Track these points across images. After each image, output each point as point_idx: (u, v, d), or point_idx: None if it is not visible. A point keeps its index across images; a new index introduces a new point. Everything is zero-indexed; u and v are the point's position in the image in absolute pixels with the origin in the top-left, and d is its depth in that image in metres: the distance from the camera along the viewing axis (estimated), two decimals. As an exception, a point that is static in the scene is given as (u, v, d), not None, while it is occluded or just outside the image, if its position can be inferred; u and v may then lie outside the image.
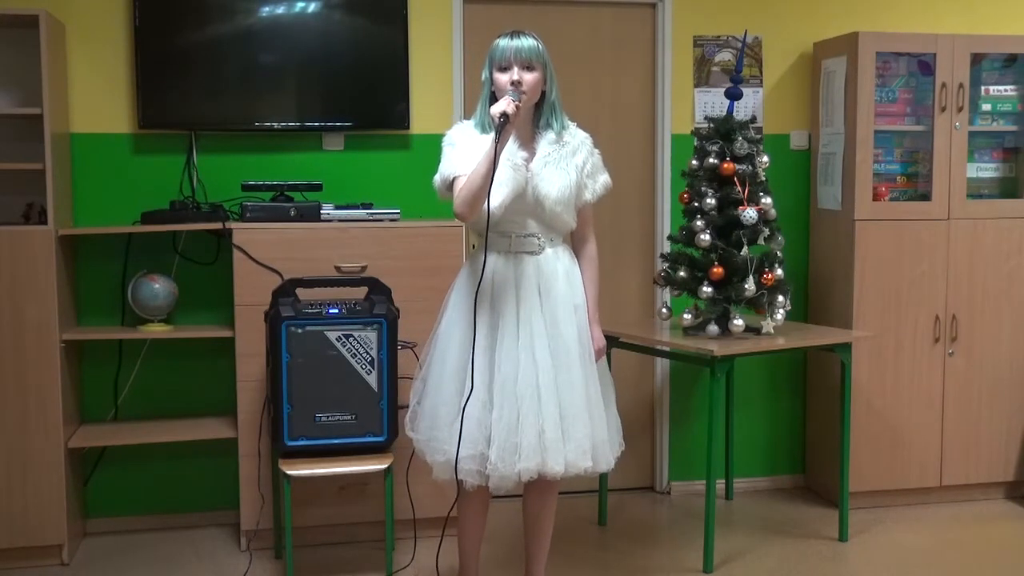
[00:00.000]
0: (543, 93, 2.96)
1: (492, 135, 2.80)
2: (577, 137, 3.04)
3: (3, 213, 3.83)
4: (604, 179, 3.10)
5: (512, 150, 2.88)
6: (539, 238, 2.99)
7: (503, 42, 2.91)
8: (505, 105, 2.79)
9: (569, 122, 3.05)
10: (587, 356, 3.03)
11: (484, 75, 2.97)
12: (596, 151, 3.08)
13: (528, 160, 2.94)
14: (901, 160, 4.48)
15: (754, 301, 3.81)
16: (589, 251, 3.15)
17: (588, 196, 3.05)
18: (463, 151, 2.93)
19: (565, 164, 2.97)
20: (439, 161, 3.01)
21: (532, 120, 2.99)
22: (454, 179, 2.92)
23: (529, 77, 2.87)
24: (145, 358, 4.06)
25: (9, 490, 3.64)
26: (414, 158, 4.20)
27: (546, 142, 2.98)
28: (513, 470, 2.89)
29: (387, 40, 4.10)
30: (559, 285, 3.00)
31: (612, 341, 4.08)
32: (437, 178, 3.01)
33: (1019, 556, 3.87)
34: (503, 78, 2.88)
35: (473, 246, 3.09)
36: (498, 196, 2.83)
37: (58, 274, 3.65)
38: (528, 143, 2.97)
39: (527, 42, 2.89)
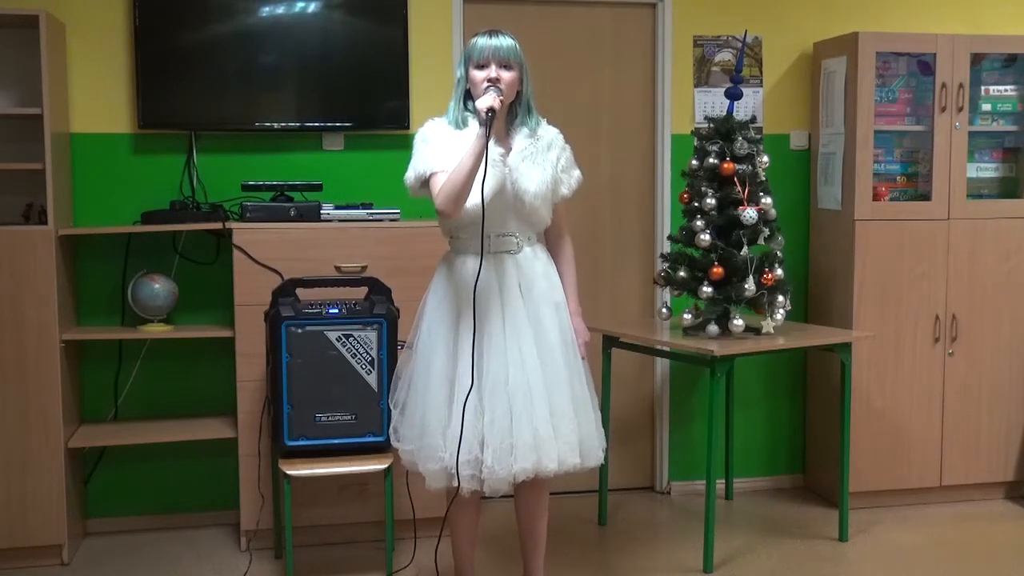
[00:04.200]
0: (518, 92, 2.98)
1: (480, 129, 2.81)
2: (549, 132, 3.07)
3: (3, 213, 3.83)
4: (577, 174, 3.13)
5: (489, 146, 2.88)
6: (517, 237, 3.01)
7: (482, 40, 2.93)
8: (491, 100, 2.81)
9: (541, 118, 3.08)
10: (571, 353, 3.05)
11: (459, 72, 2.99)
12: (568, 146, 3.11)
13: (504, 155, 2.95)
14: (901, 160, 4.48)
15: (754, 301, 3.81)
16: (566, 247, 3.19)
17: (564, 191, 3.08)
18: (437, 147, 2.94)
19: (541, 159, 2.99)
20: (411, 157, 3.00)
21: (506, 117, 3.01)
22: (430, 176, 2.92)
23: (507, 76, 2.90)
24: (145, 358, 4.06)
25: (9, 490, 3.64)
26: (414, 158, 4.20)
27: (521, 137, 3.00)
28: (510, 471, 2.89)
29: (387, 40, 4.10)
30: (539, 284, 3.02)
31: (612, 341, 4.10)
32: (410, 174, 2.99)
33: (1019, 556, 3.87)
34: (479, 75, 2.90)
35: (450, 249, 3.09)
36: (479, 192, 2.84)
37: (58, 274, 3.65)
38: (503, 139, 2.99)
39: (506, 41, 2.92)
